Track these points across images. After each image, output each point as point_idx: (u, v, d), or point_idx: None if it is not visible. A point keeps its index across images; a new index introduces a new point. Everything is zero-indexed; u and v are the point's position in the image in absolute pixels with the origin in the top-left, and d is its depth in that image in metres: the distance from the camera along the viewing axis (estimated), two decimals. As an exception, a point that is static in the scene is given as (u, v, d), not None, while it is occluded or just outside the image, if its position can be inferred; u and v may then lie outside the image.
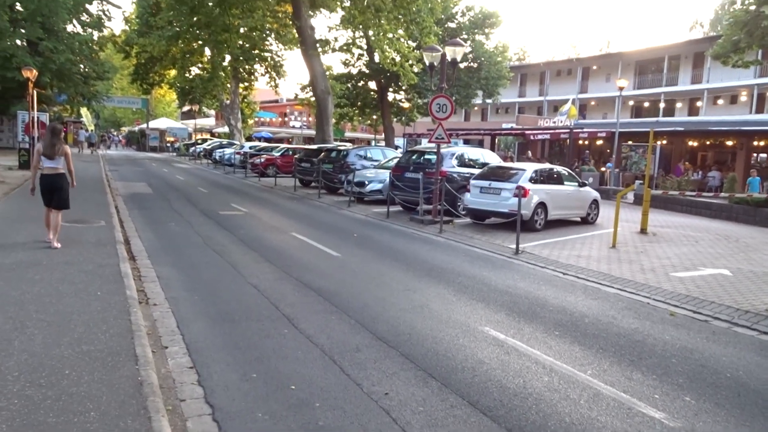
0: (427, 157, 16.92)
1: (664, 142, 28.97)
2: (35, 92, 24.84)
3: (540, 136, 31.98)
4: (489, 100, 44.41)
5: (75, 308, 5.51)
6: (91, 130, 54.11)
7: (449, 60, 14.17)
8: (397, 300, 7.09)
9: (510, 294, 7.71)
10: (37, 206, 7.09)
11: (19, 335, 4.70)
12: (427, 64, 14.89)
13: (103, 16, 36.52)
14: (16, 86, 29.06)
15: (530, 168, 14.19)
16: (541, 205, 13.54)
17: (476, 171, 15.54)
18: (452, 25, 39.29)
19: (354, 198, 17.82)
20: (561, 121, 35.72)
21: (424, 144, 43.82)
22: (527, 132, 31.15)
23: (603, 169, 28.69)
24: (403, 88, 39.78)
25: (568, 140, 29.35)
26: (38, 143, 10.41)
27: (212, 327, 5.77)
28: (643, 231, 13.87)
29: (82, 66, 36.84)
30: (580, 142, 33.31)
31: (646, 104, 44.19)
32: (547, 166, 16.61)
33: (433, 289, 7.76)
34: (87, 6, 34.22)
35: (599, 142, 32.98)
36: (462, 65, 35.93)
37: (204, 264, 8.64)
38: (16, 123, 27.53)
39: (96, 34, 37.01)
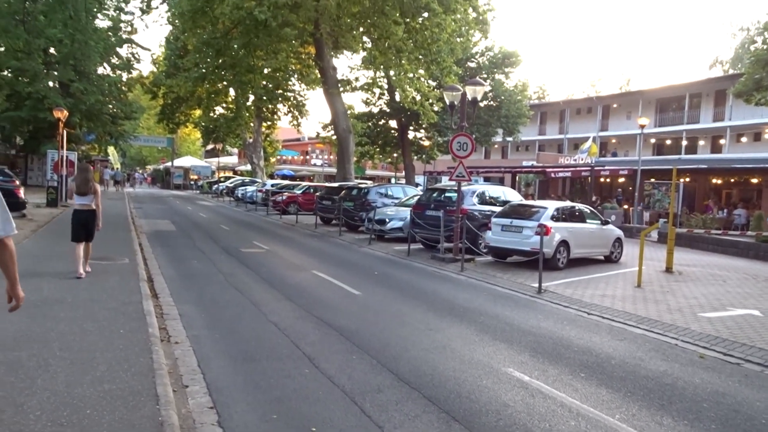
0: (447, 194, 16.94)
1: (688, 179, 28.67)
2: (65, 132, 25.57)
3: (561, 174, 31.89)
4: (509, 138, 44.60)
5: (98, 346, 5.53)
6: (117, 169, 55.36)
7: (470, 99, 14.30)
8: (419, 339, 7.01)
9: (533, 334, 7.58)
10: (63, 244, 7.23)
11: (43, 373, 4.72)
12: (448, 103, 15.04)
13: (132, 59, 37.76)
14: (47, 126, 29.97)
15: (552, 206, 14.11)
16: (564, 244, 13.41)
17: (497, 209, 15.51)
18: (472, 64, 39.84)
19: (374, 236, 17.84)
20: (582, 159, 35.65)
21: (445, 182, 44.07)
22: (548, 170, 31.09)
23: (626, 206, 28.45)
24: (424, 126, 40.21)
25: (589, 178, 29.21)
26: (71, 181, 11.44)
27: (233, 366, 5.74)
28: (668, 270, 13.62)
29: (110, 106, 37.98)
30: (602, 179, 33.14)
31: (668, 142, 43.99)
32: (568, 203, 16.52)
33: (455, 328, 7.66)
34: (117, 49, 35.46)
35: (621, 180, 32.76)
36: (482, 103, 36.24)
37: (225, 302, 8.66)
38: (45, 162, 28.26)
39: (125, 76, 38.23)
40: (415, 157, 43.95)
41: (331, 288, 10.22)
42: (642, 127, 27.03)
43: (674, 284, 11.92)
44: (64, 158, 24.69)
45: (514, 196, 17.74)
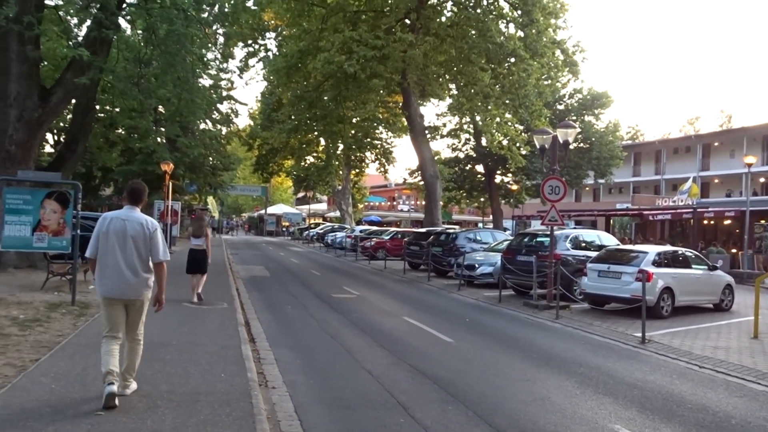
0: (539, 239, 16.53)
1: (805, 220, 26.39)
2: (170, 183, 27.40)
3: (660, 217, 30.28)
4: (601, 181, 43.18)
5: (201, 389, 5.73)
6: (213, 217, 58.47)
7: (561, 142, 14.03)
8: (516, 391, 6.74)
9: (640, 388, 7.10)
10: (173, 282, 7.74)
11: (152, 414, 4.93)
12: (539, 146, 14.82)
13: (231, 114, 40.18)
14: (155, 178, 32.21)
15: (653, 250, 13.39)
16: (667, 290, 12.61)
17: (592, 253, 14.92)
18: (560, 107, 39.25)
19: (464, 281, 17.58)
20: (681, 201, 33.79)
21: (534, 226, 43.03)
22: (645, 212, 29.66)
23: (734, 250, 26.48)
24: (511, 170, 39.77)
25: (691, 220, 27.56)
26: (188, 226, 14.08)
27: (329, 413, 5.75)
28: (789, 320, 12.43)
29: (211, 159, 40.35)
30: (705, 222, 31.14)
31: (778, 180, 40.93)
32: (671, 248, 15.61)
33: (553, 379, 7.32)
34: (218, 105, 37.90)
35: (727, 222, 30.64)
36: (572, 145, 35.40)
37: (319, 347, 8.76)
38: (153, 211, 30.29)
39: (224, 130, 40.63)
40: (503, 202, 43.38)
41: (423, 335, 10.12)
42: (749, 165, 25.36)
43: (798, 336, 10.87)
44: (170, 208, 26.39)
45: (609, 240, 17.01)
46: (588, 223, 41.14)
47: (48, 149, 30.28)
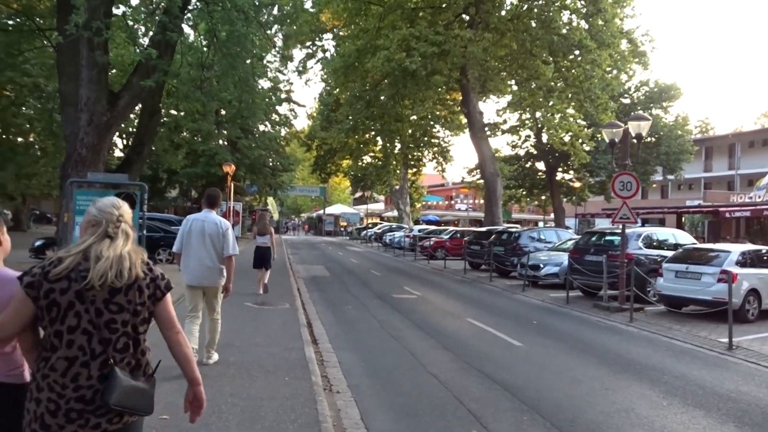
0: (608, 238, 15.79)
1: None
2: (232, 185, 27.90)
3: (738, 213, 28.55)
4: (671, 177, 41.26)
5: (265, 394, 5.57)
6: (272, 217, 59.49)
7: (633, 135, 13.29)
8: (595, 400, 6.28)
9: (734, 400, 6.49)
10: (233, 288, 7.72)
11: (216, 420, 4.79)
12: (608, 140, 14.11)
13: (290, 115, 40.67)
14: (217, 180, 32.92)
15: (736, 249, 12.49)
16: (753, 292, 11.71)
17: (667, 253, 14.09)
18: (626, 100, 37.69)
19: (528, 282, 16.99)
20: (759, 197, 31.82)
21: (599, 225, 41.51)
22: (721, 209, 28.02)
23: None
24: (573, 167, 38.52)
25: (773, 217, 25.84)
26: (254, 226, 15.50)
27: (395, 420, 5.48)
28: None
29: (270, 160, 40.99)
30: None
31: None
32: (754, 246, 14.55)
33: (635, 388, 6.80)
34: (277, 107, 38.42)
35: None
36: (639, 141, 33.92)
37: (382, 349, 8.52)
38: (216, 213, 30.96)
39: (283, 131, 41.19)
40: (564, 199, 42.09)
41: (489, 338, 9.72)
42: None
43: None
44: (231, 208, 26.86)
45: (685, 239, 16.04)
46: (656, 221, 39.41)
47: (118, 153, 31.42)
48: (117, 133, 28.64)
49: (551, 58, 21.82)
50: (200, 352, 6.46)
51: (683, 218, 33.61)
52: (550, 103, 23.75)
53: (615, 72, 24.77)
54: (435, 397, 6.20)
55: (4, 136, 26.83)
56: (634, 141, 13.35)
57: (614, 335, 10.41)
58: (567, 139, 26.43)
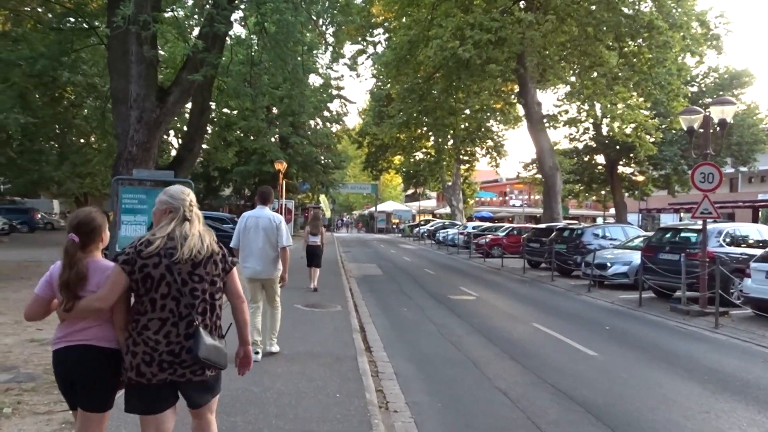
0: (684, 234, 14.56)
1: None
2: (284, 182, 27.66)
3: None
4: (743, 168, 38.80)
5: (314, 414, 4.93)
6: (324, 215, 59.50)
7: (715, 122, 12.05)
8: (697, 427, 5.36)
9: None
10: (283, 289, 7.26)
11: (258, 446, 4.18)
12: (685, 128, 12.89)
13: (341, 112, 40.33)
14: (270, 178, 32.88)
15: (838, 247, 11.12)
16: None
17: (751, 251, 12.81)
18: (693, 88, 35.54)
19: (593, 282, 15.88)
20: None
21: (664, 220, 39.39)
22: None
23: None
24: (636, 160, 36.67)
25: None
26: (306, 225, 15.54)
27: (463, 448, 4.75)
28: None
29: (322, 157, 40.80)
30: None
31: None
32: None
33: (741, 412, 5.82)
34: (328, 104, 38.13)
35: None
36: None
37: (441, 358, 7.78)
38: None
39: (335, 128, 40.90)
40: (626, 194, 40.19)
41: (559, 346, 8.82)
42: None
43: None
44: (283, 206, 26.60)
45: (771, 236, 14.59)
46: (724, 217, 37.07)
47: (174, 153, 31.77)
48: (172, 133, 28.96)
49: (616, 44, 20.43)
50: (264, 341, 6.84)
51: (760, 212, 31.39)
52: (614, 90, 22.37)
53: (686, 56, 23.13)
54: (506, 419, 5.43)
55: (72, 138, 27.49)
56: (717, 128, 12.10)
57: (700, 343, 9.33)
58: (628, 130, 24.95)
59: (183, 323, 2.87)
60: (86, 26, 17.73)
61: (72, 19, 18.15)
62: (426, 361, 7.61)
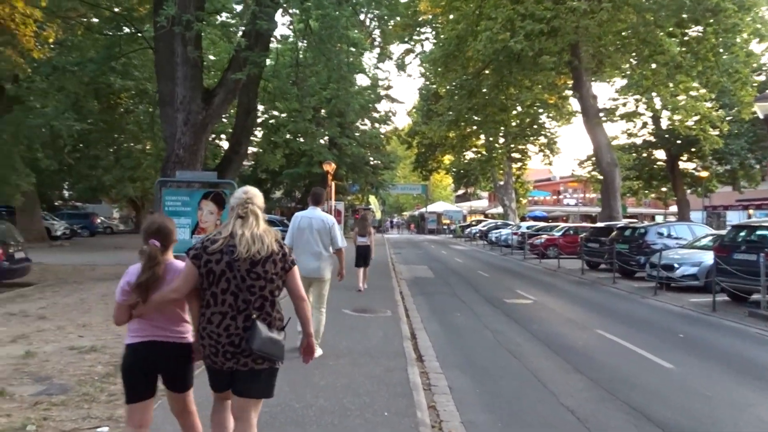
0: (761, 233, 13.38)
1: None
2: (333, 183, 27.43)
3: None
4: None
5: (359, 435, 4.44)
6: (374, 216, 59.28)
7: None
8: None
9: None
10: (331, 291, 6.99)
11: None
12: (762, 116, 11.82)
13: (390, 113, 39.97)
14: (319, 179, 32.77)
15: None
16: None
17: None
18: (760, 77, 33.34)
19: (659, 284, 14.84)
20: None
21: (730, 218, 37.24)
22: None
23: None
24: (699, 154, 34.75)
25: None
26: (355, 226, 15.49)
27: (528, 479, 4.16)
28: None
29: (371, 158, 40.53)
30: None
31: None
32: None
33: None
34: (376, 105, 37.82)
35: None
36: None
37: (499, 370, 7.16)
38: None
39: (383, 129, 40.56)
40: (688, 191, 38.19)
41: (628, 355, 8.05)
42: None
43: None
44: (333, 208, 26.35)
45: None
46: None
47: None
48: (223, 137, 29.20)
49: (678, 30, 19.16)
50: None
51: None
52: (676, 81, 21.06)
53: (751, 43, 21.55)
54: (576, 443, 4.80)
55: (125, 144, 28.11)
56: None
57: (790, 354, 8.38)
58: (689, 123, 23.51)
59: (241, 317, 3.06)
60: (134, 31, 17.88)
61: (120, 24, 18.36)
62: (482, 373, 7.02)
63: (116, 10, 17.91)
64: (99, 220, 41.51)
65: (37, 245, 23.92)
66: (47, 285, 13.40)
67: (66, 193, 45.19)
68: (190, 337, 3.32)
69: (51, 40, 21.21)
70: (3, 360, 6.60)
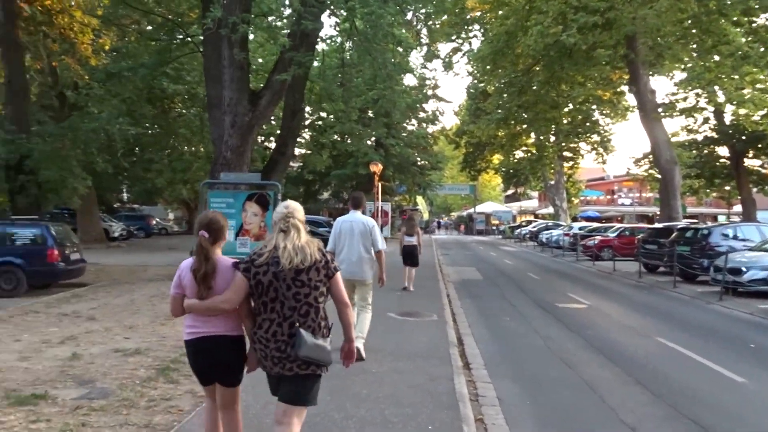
0: (839, 234, 12.40)
1: None
2: (380, 185, 27.27)
3: None
4: None
5: (401, 453, 4.17)
6: (422, 217, 58.85)
7: None
8: None
9: None
10: (375, 293, 7.22)
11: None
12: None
13: (437, 112, 39.57)
14: (366, 180, 32.71)
15: None
16: None
17: None
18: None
19: (725, 289, 13.97)
20: None
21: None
22: None
23: None
24: (766, 151, 32.93)
25: None
26: (402, 226, 16.03)
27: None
28: None
29: (418, 158, 40.20)
30: None
31: None
32: None
33: None
34: (423, 105, 37.50)
35: None
36: None
37: (552, 381, 6.76)
38: (364, 212, 30.72)
39: (431, 129, 40.18)
40: (755, 190, 36.26)
41: (694, 367, 7.49)
42: None
43: None
44: (380, 209, 26.22)
45: None
46: None
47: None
48: (271, 139, 29.47)
49: (744, 18, 18.08)
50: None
51: None
52: (741, 73, 19.89)
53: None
54: (638, 466, 4.39)
55: (177, 146, 28.74)
56: None
57: None
58: (756, 117, 22.20)
59: (286, 324, 3.22)
60: (183, 36, 18.16)
61: (171, 29, 18.69)
62: (533, 383, 6.63)
63: (168, 16, 18.23)
64: (154, 222, 42.65)
65: (96, 246, 24.72)
66: (101, 285, 13.70)
67: (124, 196, 46.71)
68: (241, 331, 3.48)
69: (107, 48, 21.89)
70: (51, 361, 6.65)
